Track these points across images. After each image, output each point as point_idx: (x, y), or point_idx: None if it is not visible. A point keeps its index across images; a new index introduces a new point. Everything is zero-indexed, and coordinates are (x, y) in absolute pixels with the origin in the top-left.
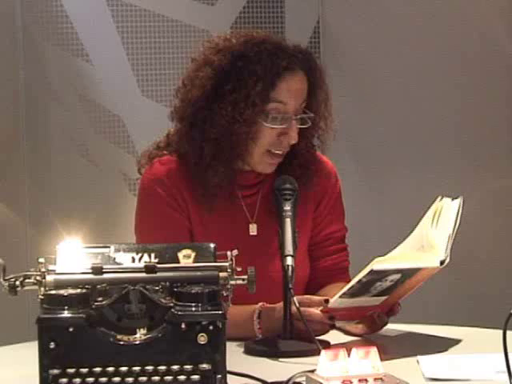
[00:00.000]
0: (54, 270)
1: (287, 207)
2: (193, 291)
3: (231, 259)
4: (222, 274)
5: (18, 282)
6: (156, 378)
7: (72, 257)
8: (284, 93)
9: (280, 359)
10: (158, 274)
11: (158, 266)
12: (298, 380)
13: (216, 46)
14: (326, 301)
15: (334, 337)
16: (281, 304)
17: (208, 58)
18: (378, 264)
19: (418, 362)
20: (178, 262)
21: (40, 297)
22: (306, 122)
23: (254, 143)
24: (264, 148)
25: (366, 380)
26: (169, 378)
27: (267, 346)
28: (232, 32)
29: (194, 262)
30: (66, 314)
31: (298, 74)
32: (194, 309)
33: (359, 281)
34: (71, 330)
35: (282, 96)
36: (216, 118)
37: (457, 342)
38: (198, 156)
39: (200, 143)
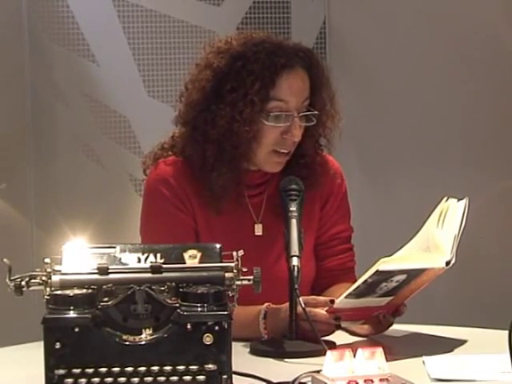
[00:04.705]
0: (59, 271)
1: (293, 208)
2: (199, 291)
3: (237, 259)
4: (227, 275)
5: (23, 283)
6: (162, 379)
7: (78, 257)
8: (284, 91)
9: (286, 360)
10: (164, 275)
11: (164, 266)
12: (303, 380)
13: (217, 49)
14: (332, 301)
15: (339, 337)
16: (286, 304)
17: (208, 61)
18: (384, 264)
19: (423, 362)
20: (184, 263)
21: (46, 297)
22: (311, 119)
23: (258, 143)
24: (269, 148)
25: (372, 380)
26: (174, 378)
27: (273, 346)
28: (234, 34)
29: (200, 262)
30: (71, 314)
31: (298, 72)
32: (199, 309)
33: (365, 281)
34: (77, 330)
35: (282, 94)
36: (216, 118)
37: (462, 342)
38: (201, 158)
39: (202, 145)
